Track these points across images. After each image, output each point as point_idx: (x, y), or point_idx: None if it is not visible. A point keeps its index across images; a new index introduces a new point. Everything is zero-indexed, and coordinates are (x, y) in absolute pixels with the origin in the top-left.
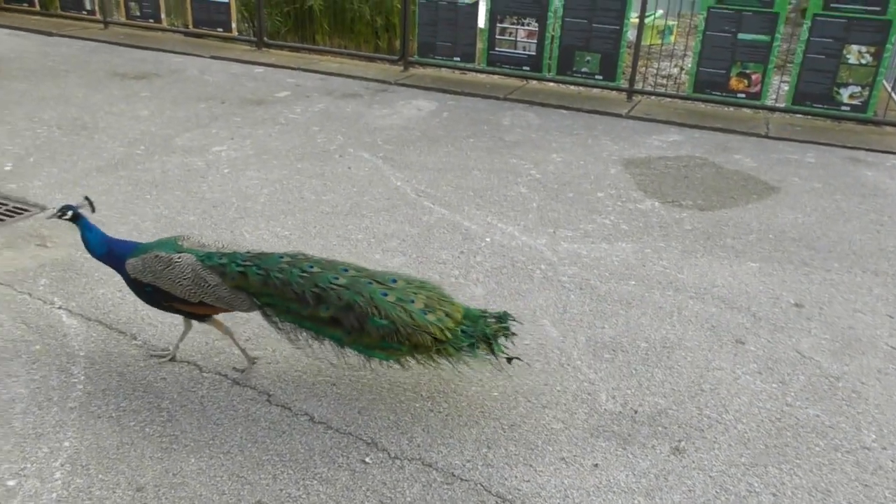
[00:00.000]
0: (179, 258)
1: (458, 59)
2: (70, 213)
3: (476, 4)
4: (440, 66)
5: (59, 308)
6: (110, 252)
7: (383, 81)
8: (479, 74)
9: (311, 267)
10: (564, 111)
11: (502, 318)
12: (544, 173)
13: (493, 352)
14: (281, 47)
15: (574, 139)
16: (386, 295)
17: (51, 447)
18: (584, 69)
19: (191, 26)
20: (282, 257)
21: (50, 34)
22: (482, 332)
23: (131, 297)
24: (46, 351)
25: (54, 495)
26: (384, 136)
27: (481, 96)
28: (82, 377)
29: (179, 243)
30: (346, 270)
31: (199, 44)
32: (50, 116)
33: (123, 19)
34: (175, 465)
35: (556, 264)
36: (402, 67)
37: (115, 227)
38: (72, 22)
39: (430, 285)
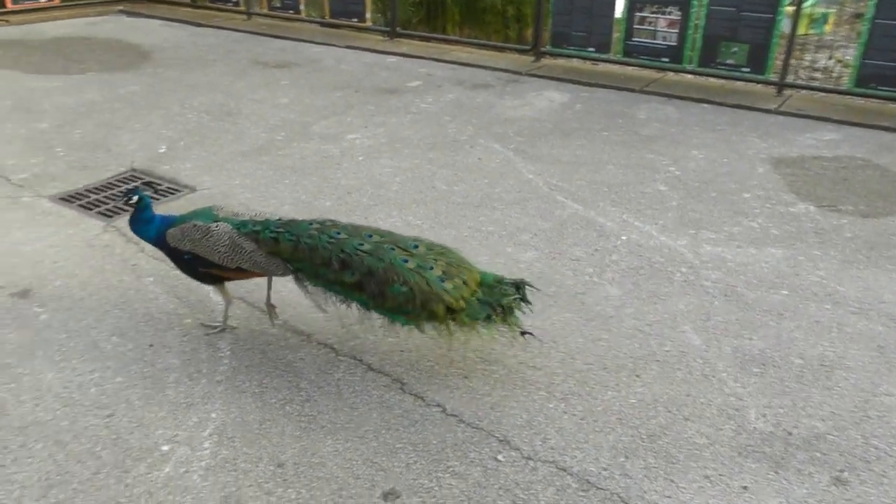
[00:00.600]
0: (217, 226)
1: (593, 49)
2: (135, 197)
3: None
4: (573, 57)
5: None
6: (156, 226)
7: (514, 72)
8: (612, 65)
9: (339, 233)
10: (706, 105)
11: (519, 286)
12: (684, 170)
13: (507, 323)
14: (412, 37)
15: (717, 135)
16: (406, 261)
17: (200, 417)
18: (729, 61)
19: (327, 17)
20: (311, 224)
21: (199, 25)
22: (498, 303)
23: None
24: (197, 325)
25: (203, 464)
26: (515, 128)
27: (616, 88)
28: (228, 352)
29: (215, 213)
30: (370, 236)
31: (335, 34)
32: (199, 102)
33: (265, 10)
34: (313, 444)
35: (698, 268)
36: (533, 58)
37: (257, 208)
38: (218, 13)
39: (451, 251)
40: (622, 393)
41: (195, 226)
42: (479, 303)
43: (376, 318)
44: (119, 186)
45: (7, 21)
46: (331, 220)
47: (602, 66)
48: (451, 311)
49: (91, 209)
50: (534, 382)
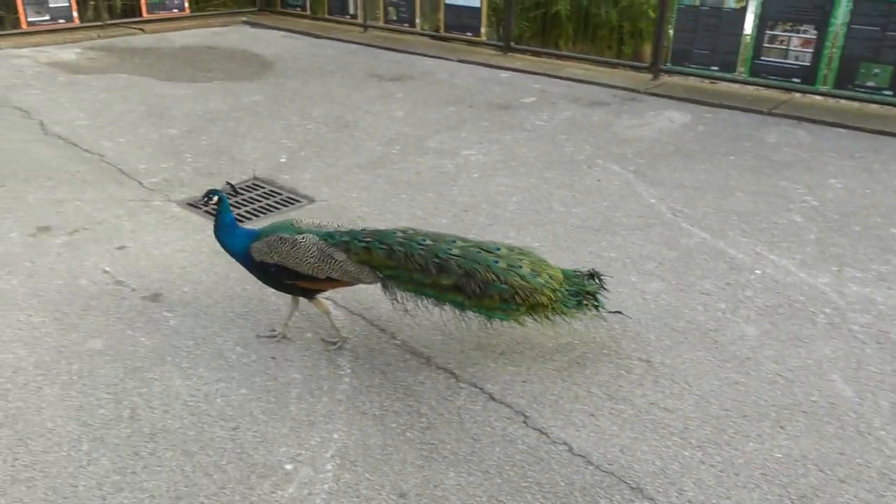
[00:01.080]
0: (303, 238)
1: (716, 68)
2: (215, 197)
3: (744, 10)
4: (694, 75)
5: (326, 298)
6: (238, 239)
7: (631, 90)
8: (734, 85)
9: (424, 240)
10: (841, 129)
11: (593, 275)
12: (822, 200)
13: (597, 307)
14: (525, 52)
15: (856, 163)
16: (497, 262)
17: (322, 437)
18: (869, 83)
19: (441, 30)
20: (395, 233)
21: (317, 36)
22: (585, 290)
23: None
24: (317, 340)
25: (326, 486)
26: (634, 149)
27: (741, 109)
28: (348, 370)
29: (296, 225)
30: (454, 241)
31: (447, 47)
32: (318, 113)
33: (381, 23)
34: (435, 475)
35: (844, 309)
36: (651, 75)
37: (374, 223)
38: (336, 25)
39: (530, 252)
40: (765, 445)
41: (281, 238)
42: (568, 293)
43: (472, 318)
44: (243, 194)
45: (142, 30)
46: (412, 229)
47: (724, 86)
48: (551, 302)
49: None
50: (666, 426)
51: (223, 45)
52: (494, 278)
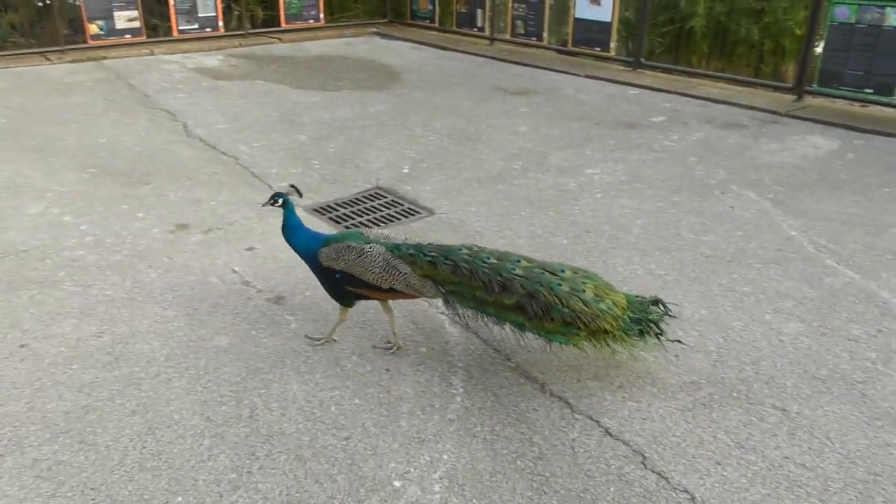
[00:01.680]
0: (371, 248)
1: (871, 90)
2: (280, 200)
3: None
4: (844, 98)
5: (442, 314)
6: (305, 241)
7: (771, 112)
8: (889, 109)
9: (489, 258)
10: None
11: (656, 302)
12: None
13: (659, 336)
14: (655, 68)
15: None
16: (560, 285)
17: (431, 456)
18: None
19: (569, 44)
20: (461, 249)
21: (444, 48)
22: (648, 318)
23: None
24: (431, 355)
25: None
26: (773, 175)
27: None
28: (461, 389)
29: (365, 235)
30: (518, 261)
31: (574, 62)
32: (441, 125)
33: (508, 36)
34: None
35: None
36: (794, 97)
37: (492, 239)
38: (463, 37)
39: (595, 275)
40: None
41: (349, 246)
42: (630, 320)
43: (532, 339)
44: (365, 202)
45: (280, 39)
46: (477, 246)
47: (877, 110)
48: (613, 328)
49: (339, 222)
50: (803, 484)
51: (354, 55)
52: (557, 301)
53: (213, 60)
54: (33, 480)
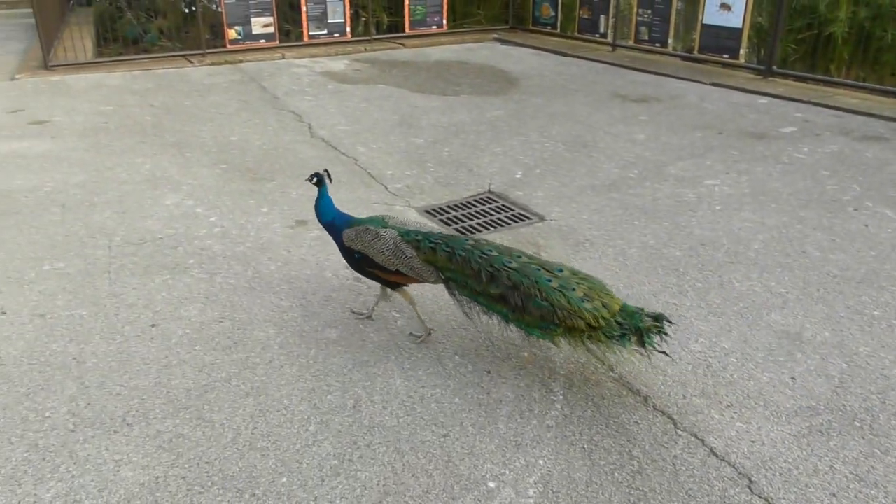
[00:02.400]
0: (385, 232)
1: None
2: (315, 178)
3: None
4: None
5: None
6: (333, 221)
7: None
8: None
9: (490, 251)
10: None
11: (658, 318)
12: None
13: (643, 344)
14: (787, 77)
15: None
16: (550, 281)
17: (527, 460)
18: None
19: (696, 51)
20: (467, 240)
21: (564, 54)
22: (636, 326)
23: None
24: (532, 360)
25: None
26: None
27: None
28: (561, 396)
29: (385, 221)
30: (519, 257)
31: (699, 69)
32: (556, 132)
33: (631, 43)
34: None
35: None
36: None
37: (602, 248)
38: (584, 44)
39: (595, 279)
40: None
41: (367, 229)
42: (616, 324)
43: (514, 331)
44: (476, 206)
45: (403, 45)
46: (485, 240)
47: None
48: (590, 329)
49: (451, 224)
50: None
51: (474, 61)
52: (537, 294)
53: (338, 64)
54: (156, 450)
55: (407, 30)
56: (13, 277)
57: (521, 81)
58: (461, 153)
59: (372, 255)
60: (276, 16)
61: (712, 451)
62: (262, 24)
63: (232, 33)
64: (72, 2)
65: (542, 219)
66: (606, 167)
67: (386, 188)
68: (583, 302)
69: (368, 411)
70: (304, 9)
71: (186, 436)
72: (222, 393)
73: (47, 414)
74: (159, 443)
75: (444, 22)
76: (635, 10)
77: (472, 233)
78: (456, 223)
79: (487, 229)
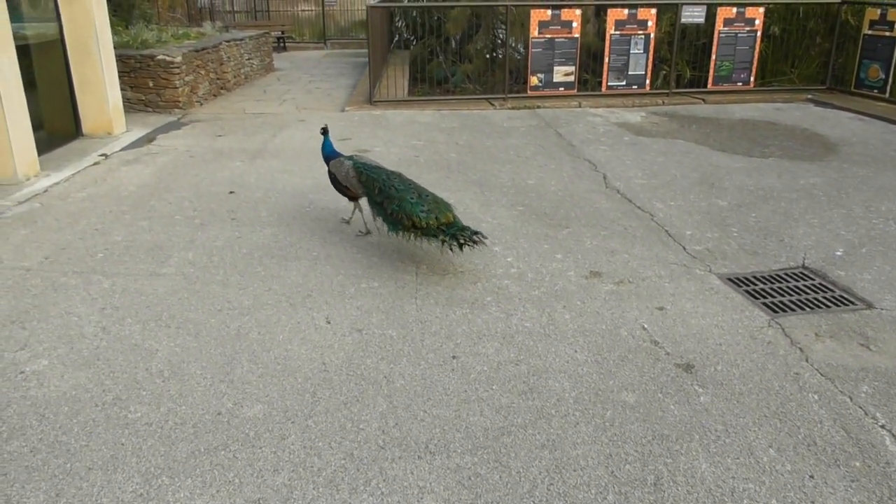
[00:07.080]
0: (347, 162)
1: None
2: (322, 130)
3: None
4: None
5: (882, 427)
6: (329, 155)
7: None
8: None
9: (389, 178)
10: None
11: (477, 233)
12: None
13: (451, 247)
14: None
15: None
16: (412, 199)
17: None
18: None
19: None
20: (382, 172)
21: (894, 122)
22: (451, 234)
23: None
24: (866, 472)
25: None
26: None
27: None
28: None
29: (353, 157)
30: (410, 185)
31: None
32: (887, 208)
33: None
34: None
35: None
36: None
37: None
38: None
39: (447, 205)
40: None
41: (340, 161)
42: (438, 229)
43: (381, 224)
44: (788, 281)
45: (703, 100)
46: (396, 173)
47: None
48: (415, 228)
49: (757, 298)
50: None
51: (783, 122)
52: (392, 203)
53: (635, 116)
54: (456, 485)
55: (710, 85)
56: (337, 291)
57: (840, 147)
58: (770, 220)
59: (336, 174)
60: (578, 65)
61: None
62: (563, 73)
63: (534, 80)
64: (392, 45)
65: (870, 306)
66: None
67: (684, 248)
68: (423, 213)
69: (671, 493)
70: (606, 60)
71: (484, 476)
72: (518, 439)
73: (361, 426)
74: (459, 478)
75: (752, 79)
76: None
77: (782, 311)
78: (764, 297)
79: (802, 309)
